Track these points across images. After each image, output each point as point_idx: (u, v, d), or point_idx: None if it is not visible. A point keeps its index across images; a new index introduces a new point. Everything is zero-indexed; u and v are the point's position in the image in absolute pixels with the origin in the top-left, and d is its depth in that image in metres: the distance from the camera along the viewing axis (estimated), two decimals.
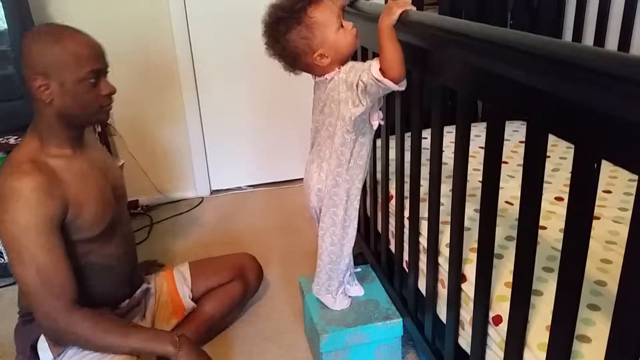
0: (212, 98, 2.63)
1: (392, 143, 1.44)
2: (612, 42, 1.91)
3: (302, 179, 1.46)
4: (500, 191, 0.94)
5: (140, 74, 2.45)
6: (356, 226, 1.42)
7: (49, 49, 1.17)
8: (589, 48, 0.67)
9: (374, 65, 1.14)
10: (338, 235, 1.40)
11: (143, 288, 1.52)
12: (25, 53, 1.19)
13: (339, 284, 1.49)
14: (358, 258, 1.95)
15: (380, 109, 1.30)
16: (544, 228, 1.26)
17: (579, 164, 0.70)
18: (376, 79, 1.13)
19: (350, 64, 1.24)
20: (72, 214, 1.22)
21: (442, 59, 1.04)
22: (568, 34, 2.10)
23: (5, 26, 1.88)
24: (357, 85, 1.18)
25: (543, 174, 0.80)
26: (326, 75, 1.26)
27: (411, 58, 1.17)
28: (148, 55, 2.45)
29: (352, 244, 1.44)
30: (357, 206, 1.39)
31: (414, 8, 1.15)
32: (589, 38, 2.00)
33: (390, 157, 1.49)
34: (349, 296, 1.54)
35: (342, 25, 1.23)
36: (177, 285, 1.60)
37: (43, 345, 1.28)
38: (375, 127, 1.31)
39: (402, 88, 1.17)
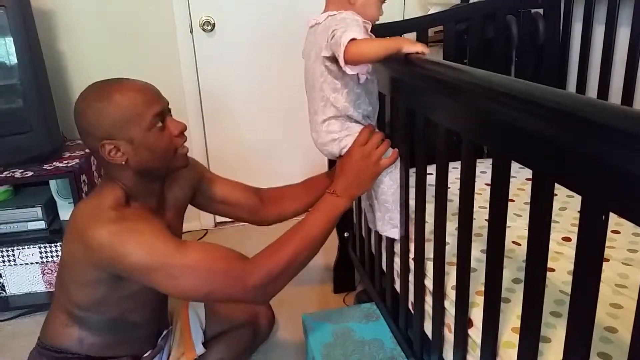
0: (218, 133, 2.65)
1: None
2: (618, 72, 1.91)
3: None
4: (507, 230, 0.92)
5: None
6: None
7: (104, 111, 1.10)
8: (592, 100, 0.66)
9: (352, 33, 1.10)
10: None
11: (164, 334, 1.47)
12: (83, 124, 1.12)
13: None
14: (362, 295, 1.92)
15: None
16: (552, 270, 1.23)
17: (586, 215, 0.68)
18: (341, 41, 1.09)
19: (355, 17, 1.19)
20: None
21: (445, 104, 1.03)
22: (573, 71, 2.11)
23: (15, 61, 1.92)
24: (333, 31, 1.14)
25: (550, 219, 0.78)
26: (320, 16, 1.24)
27: (416, 99, 1.16)
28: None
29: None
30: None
31: (428, 53, 1.13)
32: (594, 74, 2.01)
33: None
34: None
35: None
36: (191, 327, 1.53)
37: None
38: (362, 81, 1.26)
39: (349, 71, 1.13)
